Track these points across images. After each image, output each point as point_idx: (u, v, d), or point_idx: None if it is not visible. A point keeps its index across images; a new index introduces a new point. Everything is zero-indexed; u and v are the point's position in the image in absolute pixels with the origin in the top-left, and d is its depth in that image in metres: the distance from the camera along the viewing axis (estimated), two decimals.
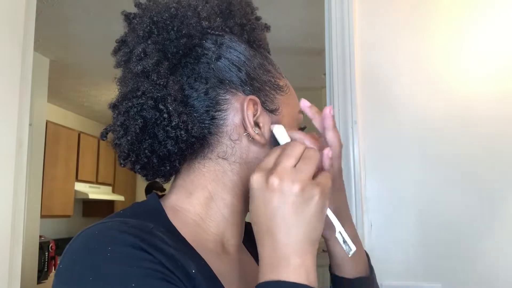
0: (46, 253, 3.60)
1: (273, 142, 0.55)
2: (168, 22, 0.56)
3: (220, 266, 0.54)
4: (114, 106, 0.56)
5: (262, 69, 0.59)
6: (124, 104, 0.54)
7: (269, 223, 0.46)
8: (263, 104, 0.57)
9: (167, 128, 0.52)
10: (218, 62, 0.57)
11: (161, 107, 0.52)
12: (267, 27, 0.65)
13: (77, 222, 5.00)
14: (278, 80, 0.61)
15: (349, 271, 0.67)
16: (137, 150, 0.54)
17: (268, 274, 0.45)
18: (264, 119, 0.57)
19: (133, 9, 0.60)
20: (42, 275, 3.49)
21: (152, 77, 0.53)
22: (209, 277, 0.50)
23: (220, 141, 0.56)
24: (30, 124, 1.48)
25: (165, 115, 0.52)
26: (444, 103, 1.30)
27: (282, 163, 0.47)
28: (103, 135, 0.57)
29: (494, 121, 1.27)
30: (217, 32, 0.57)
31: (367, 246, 1.27)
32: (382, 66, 1.35)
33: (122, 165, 0.56)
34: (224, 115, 0.56)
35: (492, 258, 1.22)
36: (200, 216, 0.56)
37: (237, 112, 0.56)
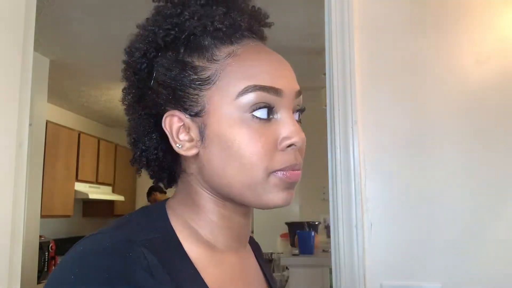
0: (46, 253, 3.60)
1: None
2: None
3: (215, 271, 0.54)
4: (128, 133, 0.63)
5: (183, 72, 0.55)
6: (132, 134, 0.62)
7: None
8: (186, 111, 0.55)
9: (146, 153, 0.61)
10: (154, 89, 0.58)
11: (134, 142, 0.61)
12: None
13: (77, 222, 5.00)
14: (202, 73, 0.54)
15: None
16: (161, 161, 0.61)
17: None
18: (190, 128, 0.55)
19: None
20: (42, 275, 3.49)
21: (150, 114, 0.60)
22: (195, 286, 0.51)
23: (182, 158, 0.59)
24: (30, 124, 1.48)
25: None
26: (444, 102, 1.30)
27: None
28: (132, 162, 0.63)
29: (497, 120, 1.27)
30: (146, 61, 0.57)
31: (367, 246, 1.27)
32: (382, 66, 1.35)
33: (151, 177, 0.64)
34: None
35: (492, 258, 1.22)
36: (194, 221, 0.57)
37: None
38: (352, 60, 1.35)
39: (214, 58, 0.54)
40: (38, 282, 3.44)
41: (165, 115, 0.55)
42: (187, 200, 0.58)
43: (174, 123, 0.55)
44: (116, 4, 2.46)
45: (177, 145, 0.55)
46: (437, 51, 1.32)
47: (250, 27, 0.57)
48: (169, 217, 0.56)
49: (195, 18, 0.54)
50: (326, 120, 1.41)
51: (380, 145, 1.31)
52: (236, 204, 0.57)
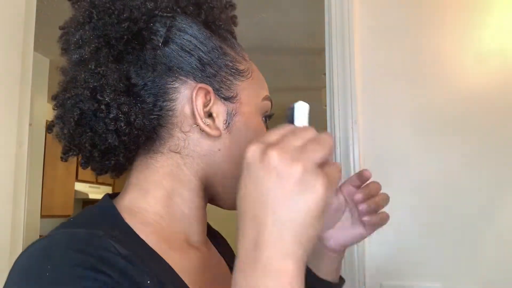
0: None
1: (289, 118, 0.44)
2: (109, 5, 0.51)
3: (186, 264, 0.50)
4: (54, 98, 0.52)
5: (218, 53, 0.54)
6: (61, 95, 0.51)
7: (256, 210, 0.37)
8: (217, 91, 0.53)
9: (106, 120, 0.48)
10: (166, 48, 0.52)
11: (99, 97, 0.48)
12: (231, 6, 0.60)
13: None
14: (237, 64, 0.56)
15: (322, 270, 0.67)
16: (78, 144, 0.51)
17: (243, 274, 0.36)
18: (218, 109, 0.53)
19: None
20: None
21: (90, 65, 0.49)
22: (170, 280, 0.46)
23: (171, 134, 0.52)
24: (30, 124, 1.48)
25: (103, 107, 0.48)
26: (444, 102, 1.30)
27: (288, 139, 0.38)
28: (49, 128, 0.54)
29: (496, 119, 1.27)
30: (165, 14, 0.52)
31: (366, 247, 1.27)
32: (382, 66, 1.35)
33: (64, 160, 0.53)
34: (173, 105, 0.51)
35: (493, 259, 1.22)
36: (159, 215, 0.51)
37: (187, 101, 0.51)
38: (352, 60, 1.35)
39: (245, 57, 0.58)
40: None
41: (198, 86, 0.51)
42: (157, 190, 0.52)
43: (202, 98, 0.51)
44: None
45: (203, 120, 0.51)
46: (437, 50, 1.32)
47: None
48: (123, 215, 0.50)
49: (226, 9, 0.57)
50: (326, 120, 1.41)
51: (380, 145, 1.31)
52: (205, 198, 0.56)
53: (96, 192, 4.91)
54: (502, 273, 1.21)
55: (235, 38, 0.60)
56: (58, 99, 0.52)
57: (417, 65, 1.33)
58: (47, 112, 3.76)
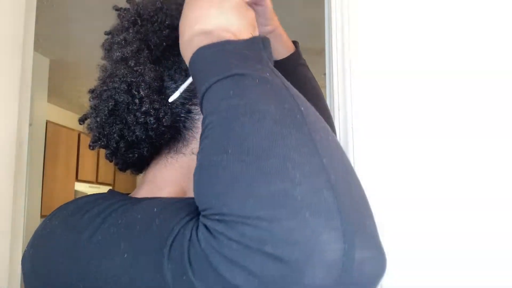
0: None
1: None
2: (152, 14, 0.56)
3: None
4: (92, 91, 0.57)
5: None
6: (99, 88, 0.55)
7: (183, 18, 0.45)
8: None
9: (137, 113, 0.51)
10: None
11: (134, 92, 0.52)
12: None
13: None
14: None
15: (282, 52, 0.74)
16: (107, 134, 0.54)
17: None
18: None
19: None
20: None
21: (130, 63, 0.53)
22: None
23: (195, 137, 0.54)
24: (30, 124, 1.48)
25: (137, 100, 0.51)
26: (445, 102, 1.30)
27: None
28: (81, 120, 0.58)
29: (498, 122, 1.27)
30: None
31: None
32: (382, 66, 1.35)
33: (91, 148, 0.56)
34: (200, 110, 0.53)
35: (493, 260, 1.22)
36: None
37: None
38: (352, 60, 1.35)
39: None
40: None
41: None
42: (173, 188, 0.54)
43: None
44: (116, 4, 2.45)
45: None
46: (438, 50, 1.32)
47: None
48: None
49: None
50: None
51: (381, 145, 1.31)
52: None
53: (96, 192, 4.91)
54: (502, 274, 1.21)
55: None
56: (96, 92, 0.55)
57: (418, 65, 1.33)
58: (47, 112, 3.77)
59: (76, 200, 0.48)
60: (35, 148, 3.42)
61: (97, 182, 5.02)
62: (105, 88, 0.53)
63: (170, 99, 0.50)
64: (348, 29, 1.36)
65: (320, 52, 1.72)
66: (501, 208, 1.24)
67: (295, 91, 0.39)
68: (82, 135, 4.72)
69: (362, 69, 1.35)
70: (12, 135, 1.37)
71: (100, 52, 0.59)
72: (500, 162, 1.25)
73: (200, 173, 0.36)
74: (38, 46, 3.09)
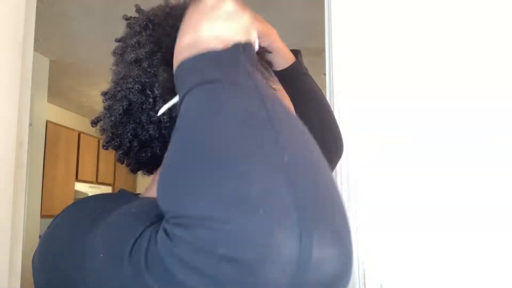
0: None
1: None
2: (163, 18, 0.58)
3: None
4: (105, 93, 0.58)
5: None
6: (113, 89, 0.56)
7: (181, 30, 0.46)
8: None
9: (151, 112, 0.53)
10: None
11: (148, 92, 0.53)
12: None
13: None
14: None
15: (280, 64, 0.74)
16: (121, 134, 0.55)
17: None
18: None
19: (133, 12, 0.62)
20: None
21: (144, 64, 0.54)
22: None
23: None
24: (30, 124, 1.48)
25: (151, 100, 0.53)
26: (446, 103, 1.30)
27: None
28: (94, 122, 0.59)
29: (496, 121, 1.27)
30: None
31: (367, 246, 1.27)
32: (382, 66, 1.35)
33: (105, 148, 0.57)
34: None
35: (492, 259, 1.22)
36: None
37: None
38: (352, 60, 1.35)
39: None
40: None
41: None
42: None
43: None
44: (116, 4, 2.46)
45: None
46: (438, 50, 1.32)
47: None
48: None
49: None
50: None
51: (381, 145, 1.31)
52: None
53: (96, 192, 4.91)
54: (503, 274, 1.21)
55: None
56: (109, 93, 0.57)
57: (418, 65, 1.33)
58: (47, 112, 3.77)
59: (87, 197, 0.50)
60: (35, 148, 3.42)
61: (97, 182, 5.02)
62: (119, 89, 0.55)
63: (158, 113, 0.51)
64: (348, 29, 1.36)
65: (320, 52, 1.72)
66: (502, 209, 1.24)
67: (267, 91, 0.39)
68: (82, 135, 4.72)
69: (362, 69, 1.35)
70: (12, 135, 1.37)
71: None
72: (499, 167, 1.26)
73: (161, 175, 0.36)
74: (38, 46, 3.10)
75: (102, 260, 0.37)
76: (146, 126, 0.54)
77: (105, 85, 0.60)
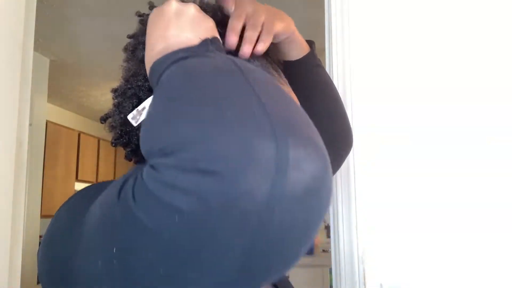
0: None
1: None
2: None
3: None
4: (115, 90, 0.59)
5: None
6: (123, 86, 0.57)
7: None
8: None
9: None
10: None
11: None
12: None
13: None
14: None
15: (295, 54, 0.73)
16: (129, 132, 0.56)
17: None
18: None
19: (134, 10, 0.63)
20: None
21: None
22: None
23: None
24: (30, 124, 1.48)
25: None
26: (446, 103, 1.30)
27: None
28: (103, 119, 0.60)
29: (496, 121, 1.27)
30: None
31: (367, 246, 1.27)
32: (382, 66, 1.35)
33: (114, 145, 0.58)
34: None
35: (493, 259, 1.22)
36: None
37: None
38: (352, 60, 1.35)
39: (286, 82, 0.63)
40: (38, 282, 3.44)
41: None
42: None
43: None
44: (116, 4, 2.46)
45: None
46: (439, 50, 1.32)
47: None
48: None
49: None
50: None
51: (381, 145, 1.31)
52: None
53: None
54: (503, 274, 1.21)
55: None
56: (119, 90, 0.57)
57: (418, 65, 1.33)
58: (47, 112, 3.77)
59: (87, 186, 0.51)
60: (35, 148, 3.42)
61: (97, 182, 5.02)
62: (129, 86, 0.55)
63: (135, 124, 0.51)
64: (348, 29, 1.36)
65: (320, 52, 1.72)
66: (502, 209, 1.24)
67: (240, 61, 0.41)
68: (82, 135, 4.72)
69: (362, 69, 1.35)
70: (12, 135, 1.37)
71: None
72: (499, 167, 1.26)
73: (143, 124, 0.39)
74: (38, 46, 3.10)
75: (96, 222, 0.38)
76: None
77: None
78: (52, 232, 0.47)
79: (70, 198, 0.51)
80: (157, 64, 0.43)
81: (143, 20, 0.61)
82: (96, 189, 0.46)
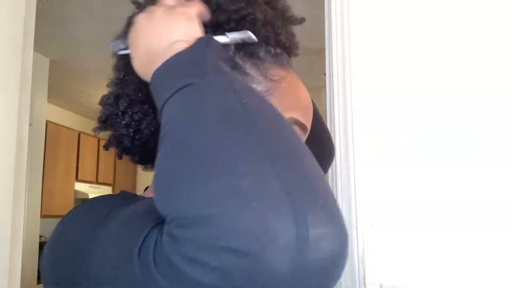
0: None
1: None
2: None
3: None
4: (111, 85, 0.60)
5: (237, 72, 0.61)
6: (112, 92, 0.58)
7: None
8: None
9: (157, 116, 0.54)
10: None
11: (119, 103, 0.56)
12: (287, 16, 0.72)
13: None
14: (253, 85, 0.61)
15: None
16: (121, 135, 0.56)
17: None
18: None
19: (134, 10, 0.62)
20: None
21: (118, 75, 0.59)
22: None
23: None
24: (30, 124, 1.48)
25: (150, 111, 0.55)
26: (446, 103, 1.30)
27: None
28: (100, 125, 0.61)
29: (496, 121, 1.27)
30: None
31: (367, 246, 1.27)
32: (382, 66, 1.35)
33: (105, 149, 0.60)
34: None
35: (493, 259, 1.22)
36: None
37: None
38: (352, 60, 1.35)
39: (269, 76, 0.57)
40: (38, 282, 3.44)
41: None
42: None
43: None
44: (116, 4, 2.46)
45: None
46: (439, 50, 1.32)
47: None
48: None
49: (263, 20, 0.56)
50: (326, 120, 1.41)
51: (381, 145, 1.31)
52: None
53: (96, 192, 4.91)
54: (503, 274, 1.21)
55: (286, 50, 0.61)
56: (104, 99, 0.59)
57: (418, 65, 1.33)
58: (47, 112, 3.77)
59: (93, 199, 0.52)
60: (35, 148, 3.42)
61: (97, 182, 5.02)
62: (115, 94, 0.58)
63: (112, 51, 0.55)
64: (348, 29, 1.36)
65: (320, 52, 1.72)
66: (502, 209, 1.24)
67: (240, 85, 0.40)
68: (82, 135, 4.72)
69: (362, 69, 1.35)
70: (12, 135, 1.37)
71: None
72: (499, 167, 1.26)
73: (155, 183, 0.38)
74: (38, 46, 3.10)
75: (110, 257, 0.39)
76: (155, 120, 0.55)
77: (105, 85, 0.60)
78: (60, 246, 0.47)
79: (79, 210, 0.50)
80: (157, 77, 0.43)
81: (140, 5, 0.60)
82: (104, 203, 0.48)
